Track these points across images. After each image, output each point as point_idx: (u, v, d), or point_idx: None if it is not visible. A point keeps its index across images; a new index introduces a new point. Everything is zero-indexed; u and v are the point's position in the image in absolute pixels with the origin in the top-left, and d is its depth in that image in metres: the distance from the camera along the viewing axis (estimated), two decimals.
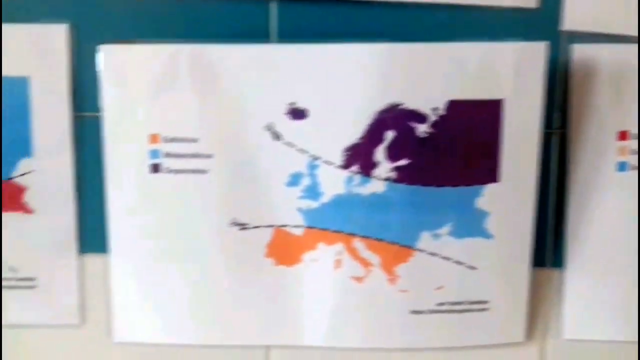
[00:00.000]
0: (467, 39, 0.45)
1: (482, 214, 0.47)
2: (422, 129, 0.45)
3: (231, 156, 0.47)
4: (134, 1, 0.46)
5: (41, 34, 0.46)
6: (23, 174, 0.48)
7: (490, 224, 0.48)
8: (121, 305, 0.50)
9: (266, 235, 0.49)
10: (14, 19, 0.46)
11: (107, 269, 0.50)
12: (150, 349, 0.52)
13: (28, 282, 0.50)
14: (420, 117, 0.45)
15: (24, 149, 0.47)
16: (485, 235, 0.48)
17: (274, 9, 0.47)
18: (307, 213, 0.48)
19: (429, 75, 0.45)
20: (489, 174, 0.46)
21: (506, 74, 0.45)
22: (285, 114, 0.46)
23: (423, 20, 0.47)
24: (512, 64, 0.45)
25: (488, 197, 0.47)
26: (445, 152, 0.46)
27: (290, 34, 0.47)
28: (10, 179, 0.48)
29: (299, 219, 0.48)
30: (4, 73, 0.47)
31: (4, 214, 0.49)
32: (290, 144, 0.47)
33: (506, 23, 0.47)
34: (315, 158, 0.47)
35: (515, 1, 0.46)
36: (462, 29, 0.47)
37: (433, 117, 0.45)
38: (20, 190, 0.48)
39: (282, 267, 0.49)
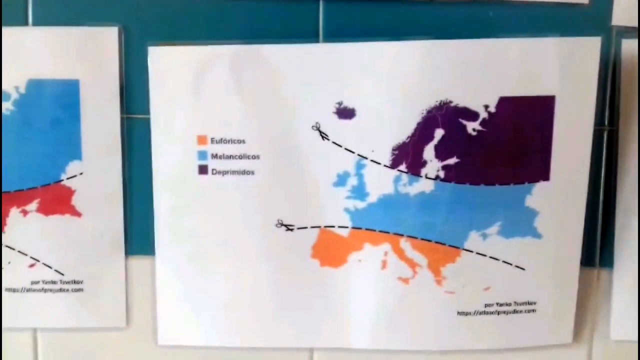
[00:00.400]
0: (516, 35, 0.45)
1: (532, 213, 0.47)
2: (472, 127, 0.45)
3: (278, 157, 0.47)
4: (183, 2, 0.47)
5: (92, 36, 0.47)
6: (72, 177, 0.48)
7: (540, 223, 0.47)
8: (166, 307, 0.50)
9: (312, 236, 0.48)
10: (64, 22, 0.47)
11: (153, 271, 0.50)
12: (195, 351, 0.52)
13: (74, 286, 0.50)
14: (471, 115, 0.45)
15: (74, 151, 0.48)
16: (535, 234, 0.47)
17: (321, 8, 0.47)
18: (354, 213, 0.48)
19: (480, 71, 0.45)
20: (540, 172, 0.46)
21: (559, 70, 0.44)
22: (332, 113, 0.46)
23: (471, 17, 0.46)
24: (565, 59, 0.44)
25: (538, 195, 0.46)
26: (495, 149, 0.46)
27: (336, 33, 0.47)
28: (59, 181, 0.48)
29: (346, 220, 0.48)
30: (55, 76, 0.47)
31: (52, 217, 0.49)
32: (337, 144, 0.47)
33: (554, 18, 0.46)
34: (363, 157, 0.46)
35: None
36: (510, 25, 0.46)
37: (483, 114, 0.45)
38: (69, 192, 0.48)
39: (327, 268, 0.49)
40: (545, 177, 0.46)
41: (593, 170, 0.47)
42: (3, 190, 0.48)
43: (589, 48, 0.44)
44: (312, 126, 0.47)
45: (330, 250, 0.49)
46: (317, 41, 0.47)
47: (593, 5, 0.46)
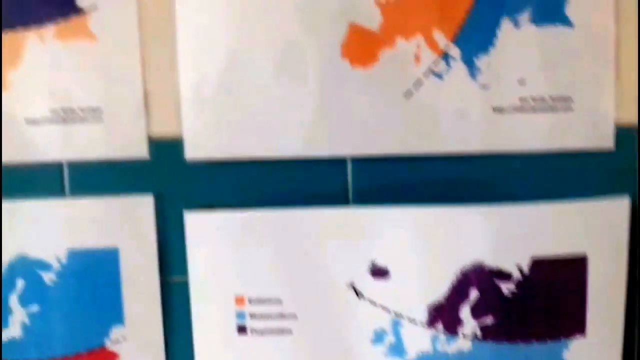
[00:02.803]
0: (544, 183, 0.46)
1: None
2: (506, 287, 0.46)
3: (315, 315, 0.48)
4: (215, 169, 0.48)
5: (128, 205, 0.48)
6: (115, 342, 0.49)
7: None
8: None
9: None
10: (100, 191, 0.49)
11: None
12: None
13: None
14: (505, 276, 0.46)
15: (116, 316, 0.49)
16: None
17: (349, 168, 0.48)
18: None
19: (511, 234, 0.45)
20: (576, 328, 0.46)
21: (589, 231, 0.45)
22: (366, 272, 0.47)
23: (498, 169, 0.47)
24: (595, 221, 0.45)
25: (575, 351, 0.47)
26: (530, 309, 0.46)
27: (365, 191, 0.48)
28: (103, 346, 0.49)
29: None
30: (95, 245, 0.49)
31: None
32: (372, 302, 0.47)
33: (580, 165, 0.47)
34: (399, 316, 0.47)
35: (592, 143, 0.46)
36: (536, 174, 0.47)
37: (517, 275, 0.46)
38: (112, 357, 0.50)
39: None
40: (582, 332, 0.46)
41: (628, 321, 0.47)
42: (50, 356, 0.50)
43: (618, 208, 0.45)
44: (347, 285, 0.47)
45: None
46: (347, 198, 0.48)
47: (618, 149, 0.47)
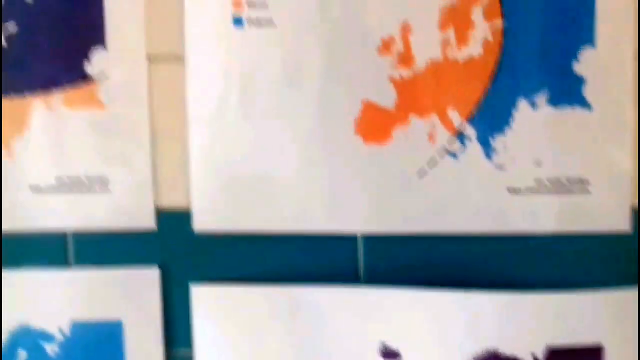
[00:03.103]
0: (558, 265, 0.46)
1: None
2: None
3: None
4: (222, 241, 0.47)
5: (133, 277, 0.47)
6: None
7: None
8: None
9: None
10: (104, 262, 0.48)
11: None
12: None
13: None
14: None
15: None
16: None
17: (360, 246, 0.47)
18: None
19: (526, 322, 0.44)
20: None
21: (607, 320, 0.44)
22: (376, 353, 0.46)
23: (512, 251, 0.46)
24: (612, 310, 0.44)
25: None
26: None
27: (376, 268, 0.47)
28: None
29: None
30: (98, 317, 0.48)
31: None
32: None
33: (596, 247, 0.46)
34: None
35: (608, 226, 0.45)
36: (552, 255, 0.46)
37: None
38: None
39: None
40: None
41: None
42: None
43: (635, 297, 0.44)
44: None
45: None
46: (357, 276, 0.47)
47: (635, 232, 0.46)
